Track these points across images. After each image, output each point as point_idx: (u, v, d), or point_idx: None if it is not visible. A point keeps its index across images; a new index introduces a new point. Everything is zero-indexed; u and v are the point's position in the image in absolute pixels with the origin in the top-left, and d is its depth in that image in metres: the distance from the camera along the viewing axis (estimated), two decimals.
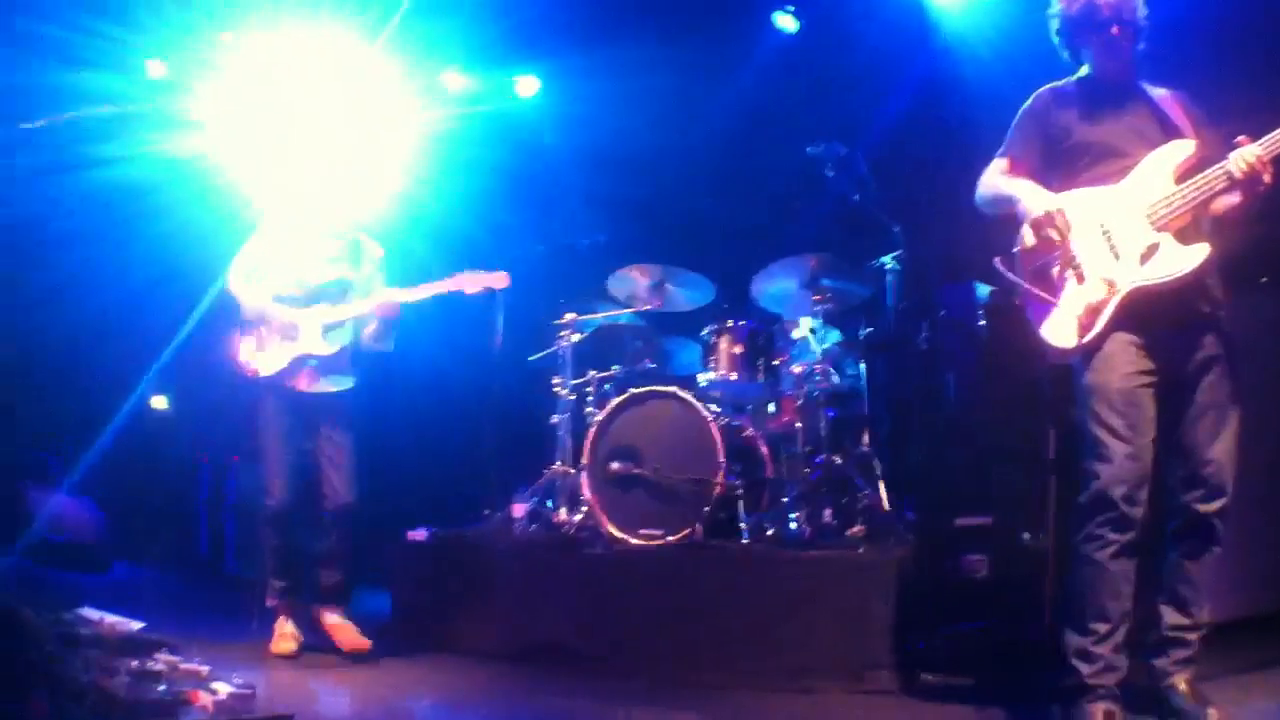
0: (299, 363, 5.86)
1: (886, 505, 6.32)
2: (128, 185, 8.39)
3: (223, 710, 4.19)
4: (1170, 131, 4.09)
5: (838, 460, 6.45)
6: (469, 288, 5.90)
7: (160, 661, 4.49)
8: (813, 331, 6.85)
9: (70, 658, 4.09)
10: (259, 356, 5.90)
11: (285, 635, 5.84)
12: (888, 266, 6.72)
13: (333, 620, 5.95)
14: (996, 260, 4.22)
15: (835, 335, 6.80)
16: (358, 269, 6.08)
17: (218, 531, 9.66)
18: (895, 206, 6.81)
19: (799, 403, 6.61)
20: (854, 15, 8.43)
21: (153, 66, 9.22)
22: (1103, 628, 3.90)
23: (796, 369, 6.66)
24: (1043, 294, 4.10)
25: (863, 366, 6.88)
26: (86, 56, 8.42)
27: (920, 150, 7.90)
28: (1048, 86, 4.38)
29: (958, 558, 5.61)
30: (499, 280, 5.91)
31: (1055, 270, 4.10)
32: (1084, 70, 4.33)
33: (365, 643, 5.83)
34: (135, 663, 4.38)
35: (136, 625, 5.00)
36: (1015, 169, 4.35)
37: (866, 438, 6.66)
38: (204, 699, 4.19)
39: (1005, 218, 4.30)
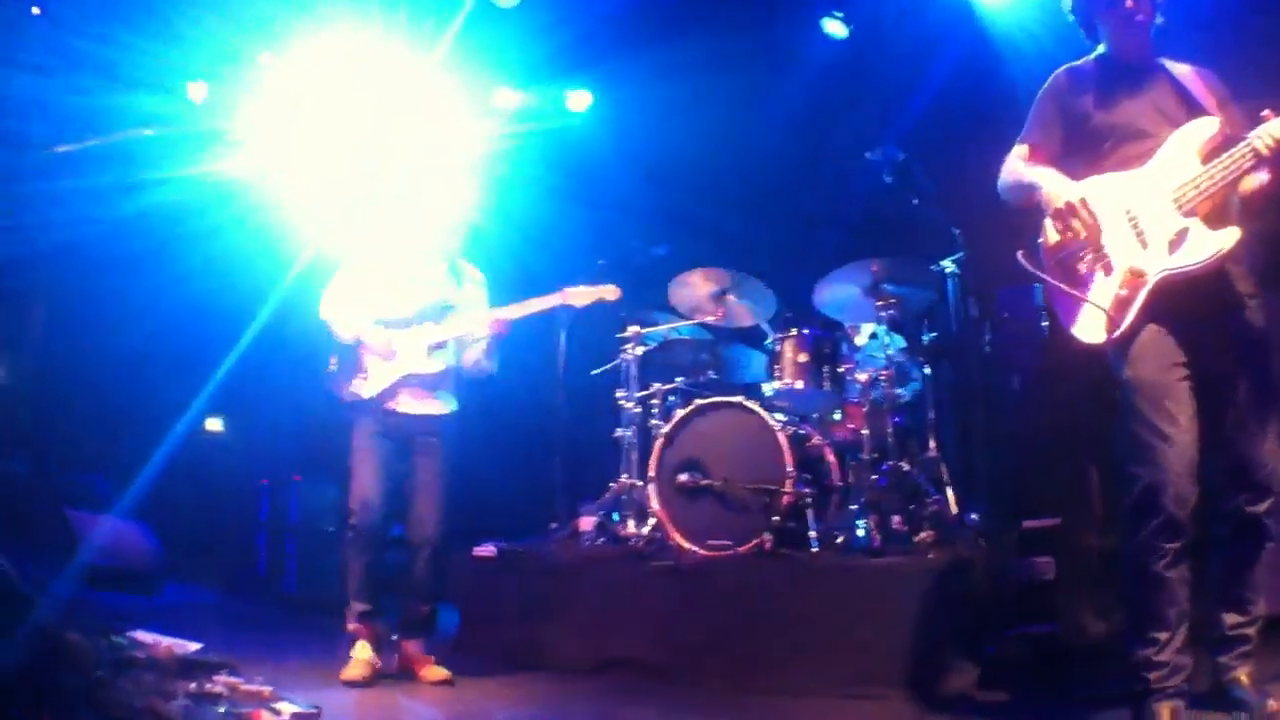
0: (400, 383, 5.72)
1: (954, 510, 6.26)
2: (178, 205, 8.47)
3: None
4: (1193, 109, 3.97)
5: (905, 466, 6.40)
6: (578, 301, 5.79)
7: (220, 683, 4.44)
8: (875, 338, 6.81)
9: (120, 682, 4.03)
10: (359, 379, 5.75)
11: (361, 661, 5.59)
12: (948, 270, 6.68)
13: (414, 652, 5.79)
14: (1019, 254, 4.07)
15: (899, 341, 6.74)
16: (459, 290, 5.95)
17: (277, 553, 9.66)
18: (954, 209, 6.76)
19: (865, 409, 6.58)
20: (903, 18, 8.38)
21: (194, 89, 9.32)
22: (1164, 635, 3.80)
23: (862, 376, 6.62)
24: (1068, 288, 3.98)
25: (927, 371, 6.82)
26: (135, 76, 8.54)
27: (976, 151, 7.80)
28: (1064, 67, 4.27)
29: (1025, 561, 5.57)
30: (610, 293, 5.82)
31: (1080, 262, 3.98)
32: (1101, 48, 4.23)
33: (447, 675, 5.67)
34: (193, 685, 4.33)
35: (194, 647, 4.96)
36: (1036, 155, 4.22)
37: (933, 443, 6.58)
38: None
39: (1028, 208, 4.17)
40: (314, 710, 4.33)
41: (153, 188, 8.28)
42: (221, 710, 4.14)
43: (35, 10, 9.01)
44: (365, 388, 5.72)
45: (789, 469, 6.03)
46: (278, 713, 4.20)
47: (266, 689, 4.49)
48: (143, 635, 4.94)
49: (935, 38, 8.20)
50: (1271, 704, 3.81)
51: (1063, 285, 3.99)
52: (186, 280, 9.29)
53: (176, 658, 4.70)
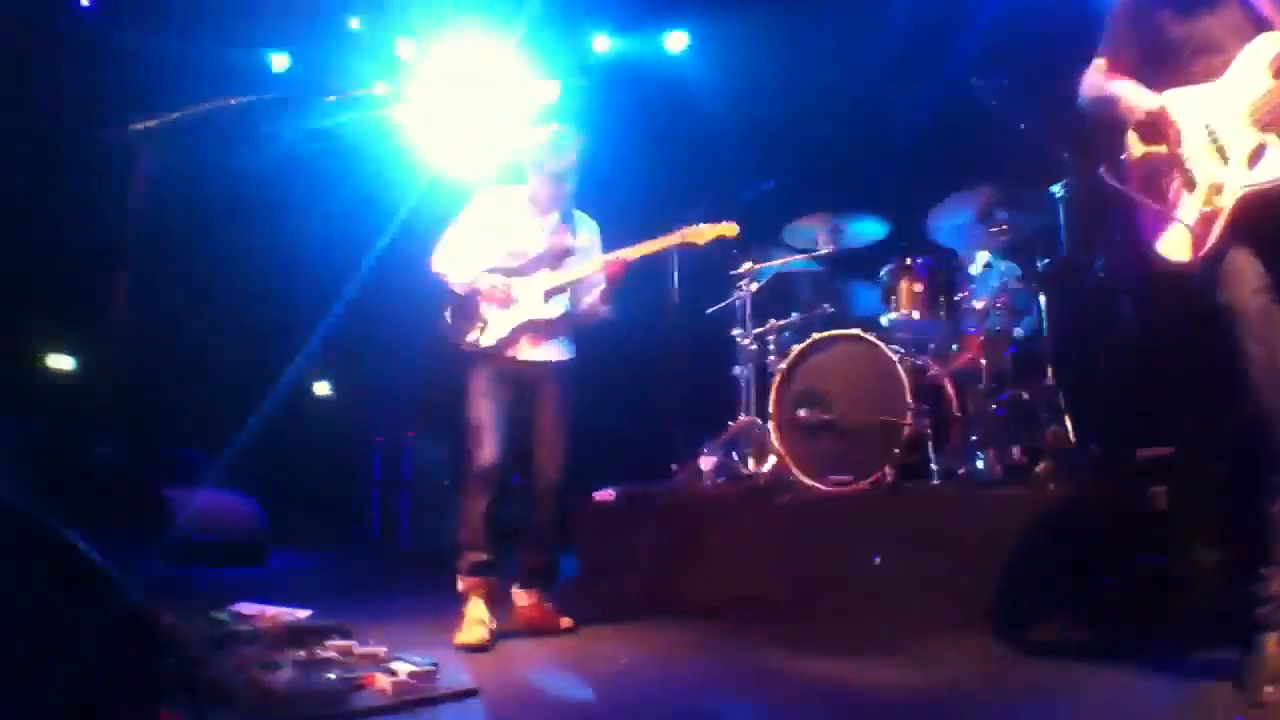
0: (519, 330, 5.64)
1: (1073, 439, 6.18)
2: (266, 171, 8.58)
3: (402, 690, 4.00)
4: (1262, 25, 3.82)
5: (1023, 396, 6.33)
6: (697, 239, 5.66)
7: (331, 649, 4.38)
8: (989, 266, 6.75)
9: (218, 659, 4.00)
10: (476, 328, 5.67)
11: (476, 620, 5.30)
12: (1058, 195, 6.60)
13: (533, 602, 5.70)
14: (1101, 168, 4.01)
15: (1014, 268, 6.67)
16: (574, 236, 5.87)
17: (391, 511, 9.78)
18: (1062, 132, 6.66)
19: (981, 339, 6.51)
20: None
21: (276, 59, 9.43)
22: (1270, 571, 3.68)
23: (978, 305, 6.54)
24: (1153, 203, 3.89)
25: (1042, 298, 6.75)
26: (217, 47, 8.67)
27: (1081, 72, 7.72)
28: None
29: (1139, 491, 5.52)
30: (729, 229, 5.67)
31: (1164, 178, 3.89)
32: None
33: (569, 622, 5.65)
34: (303, 653, 4.26)
35: (303, 614, 4.87)
36: (1115, 68, 4.13)
37: (1050, 371, 6.52)
38: (381, 681, 4.02)
39: (1110, 122, 4.09)
40: (431, 666, 4.22)
41: (242, 154, 8.40)
42: (333, 675, 4.05)
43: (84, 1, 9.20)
44: (484, 336, 5.64)
45: (909, 401, 6.01)
46: (393, 673, 4.10)
47: (381, 650, 4.44)
48: (246, 607, 4.91)
49: None
50: None
51: (1148, 200, 3.92)
52: (280, 247, 9.44)
53: (284, 626, 4.63)
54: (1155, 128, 3.88)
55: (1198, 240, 3.76)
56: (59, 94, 8.75)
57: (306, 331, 8.12)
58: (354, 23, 9.52)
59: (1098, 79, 4.18)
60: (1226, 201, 3.71)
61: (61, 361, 10.29)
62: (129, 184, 5.05)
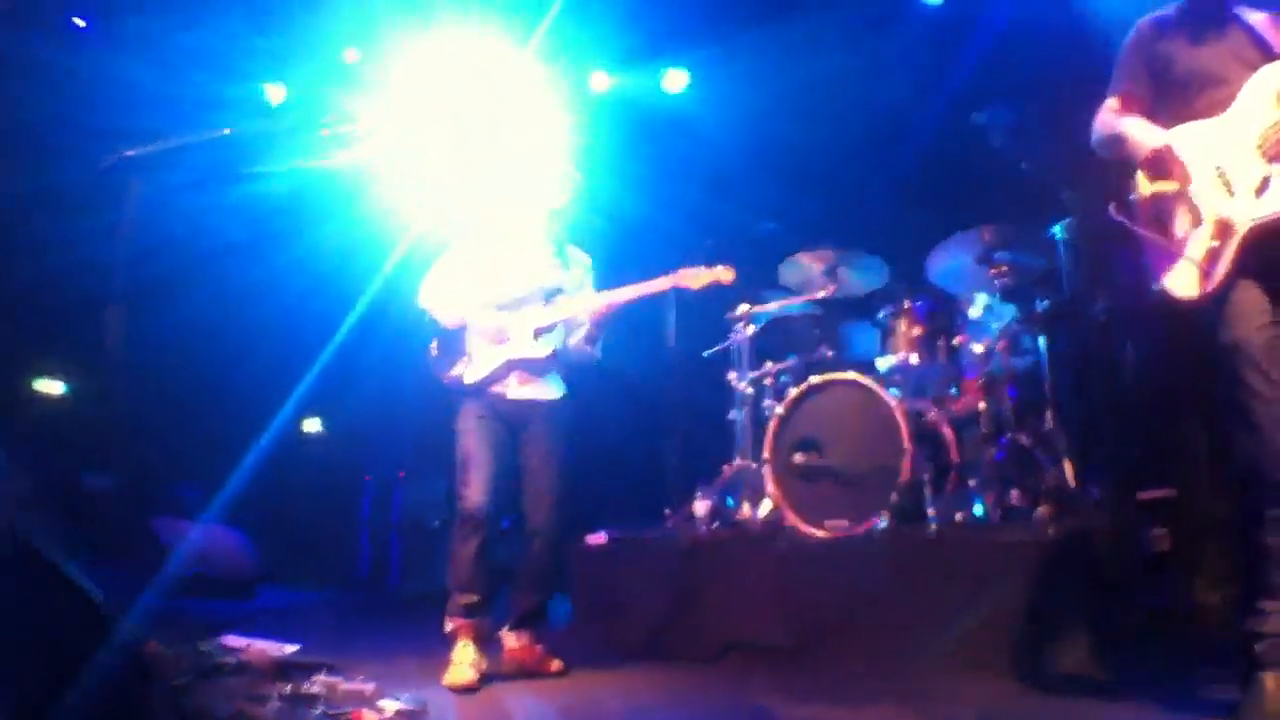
0: (507, 367, 5.59)
1: (1073, 482, 6.12)
2: (262, 206, 8.55)
3: None
4: (1268, 55, 3.92)
5: (1022, 439, 6.26)
6: (692, 284, 5.55)
7: (318, 684, 4.37)
8: (988, 308, 6.71)
9: (207, 689, 4.00)
10: (462, 363, 5.62)
11: (464, 664, 5.23)
12: (1059, 236, 6.56)
13: (523, 644, 5.61)
14: (1111, 206, 4.08)
15: (1012, 310, 6.63)
16: (566, 273, 5.83)
17: (381, 551, 9.73)
18: (1064, 172, 6.63)
19: (981, 382, 6.47)
20: None
21: (272, 90, 9.41)
22: (1271, 605, 3.72)
23: (977, 348, 6.53)
24: (1162, 240, 3.93)
25: (1042, 341, 6.70)
26: (213, 77, 8.64)
27: (1083, 110, 7.68)
28: (1147, 17, 4.29)
29: (1141, 532, 5.47)
30: (724, 274, 5.58)
31: (1172, 215, 3.94)
32: None
33: (559, 665, 5.60)
34: (289, 687, 4.27)
35: (290, 649, 4.92)
36: (1127, 106, 4.23)
37: (1050, 414, 6.46)
38: (369, 718, 4.03)
39: (1120, 160, 4.16)
40: (419, 706, 4.23)
41: (234, 188, 8.36)
42: (318, 711, 4.06)
43: (80, 22, 9.19)
44: (470, 372, 5.60)
45: (907, 446, 5.94)
46: (381, 710, 4.11)
47: (369, 687, 4.44)
48: (233, 640, 4.92)
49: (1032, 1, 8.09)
50: None
51: (1156, 236, 3.96)
52: (273, 282, 9.41)
53: (271, 660, 4.67)
54: (1162, 165, 3.94)
55: (1205, 276, 3.80)
56: (53, 118, 8.72)
57: (299, 367, 8.09)
58: (351, 56, 9.51)
59: (1109, 117, 4.26)
60: (1234, 235, 3.75)
61: (52, 386, 10.24)
62: (122, 212, 5.01)
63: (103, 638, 2.65)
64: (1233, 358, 3.76)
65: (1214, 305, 3.81)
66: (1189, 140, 3.92)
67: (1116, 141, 4.15)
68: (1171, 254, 3.89)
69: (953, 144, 7.59)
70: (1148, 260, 4.03)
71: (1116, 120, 4.19)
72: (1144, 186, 4.02)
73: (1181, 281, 3.87)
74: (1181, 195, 3.90)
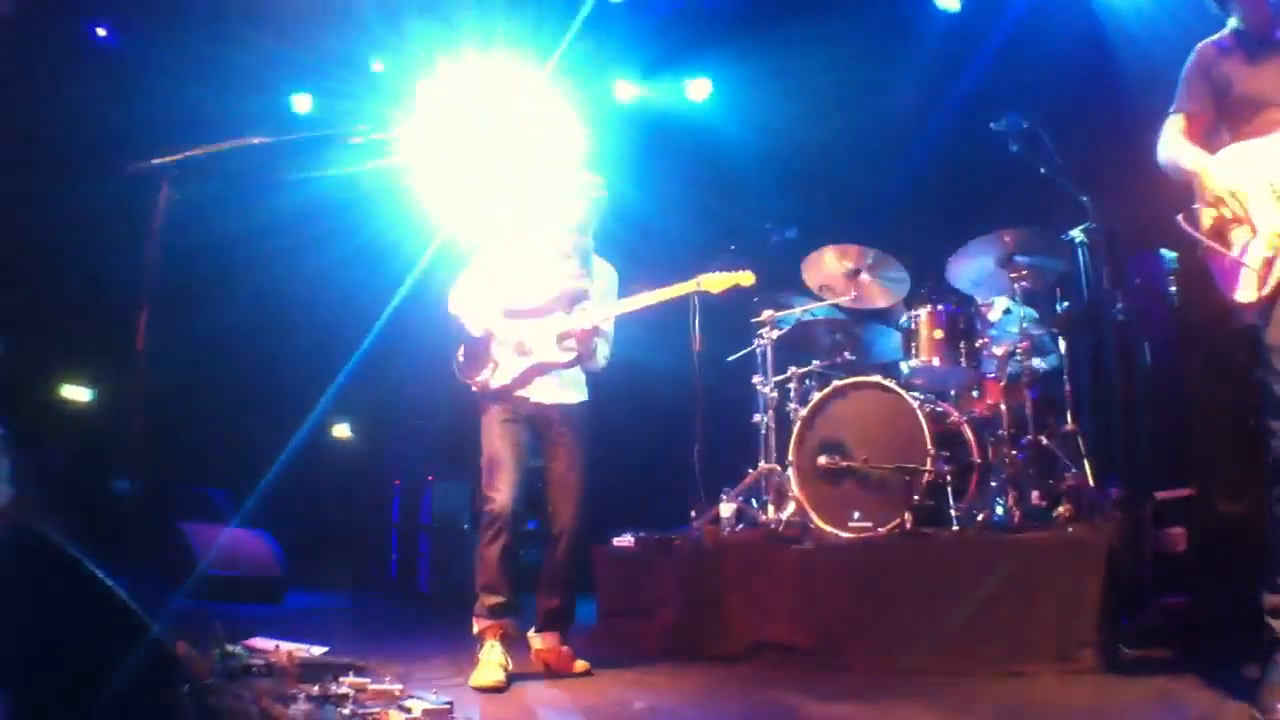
0: (531, 372, 5.62)
1: (1092, 483, 6.19)
2: (291, 213, 8.63)
3: None
4: None
5: (1043, 440, 6.37)
6: (713, 288, 5.64)
7: (346, 685, 4.38)
8: (1008, 311, 6.78)
9: (235, 690, 4.03)
10: (488, 369, 5.64)
11: (492, 664, 5.21)
12: (1078, 239, 6.62)
13: (551, 645, 5.62)
14: (1179, 217, 4.18)
15: (1032, 313, 6.70)
16: (592, 282, 5.84)
17: (410, 553, 9.76)
18: (1081, 176, 6.69)
19: (1002, 384, 6.58)
20: None
21: (299, 100, 9.50)
22: None
23: (998, 350, 6.62)
24: (1223, 249, 4.06)
25: (1061, 343, 6.78)
26: (241, 86, 8.73)
27: (1099, 116, 7.76)
28: (1207, 41, 4.39)
29: (1158, 532, 5.53)
30: (745, 278, 5.66)
31: (1233, 228, 4.06)
32: (1234, 22, 4.34)
33: (585, 666, 5.61)
34: (316, 688, 4.27)
35: (319, 650, 4.94)
36: (1193, 124, 4.35)
37: (1070, 415, 6.54)
38: (396, 718, 4.01)
39: (1185, 186, 4.27)
40: (446, 705, 4.20)
41: (265, 196, 8.45)
42: (346, 711, 4.06)
43: (101, 31, 9.30)
44: (495, 378, 5.63)
45: (929, 448, 6.03)
46: (408, 710, 4.10)
47: (396, 688, 4.44)
48: (260, 642, 4.97)
49: (1045, 5, 8.15)
50: None
51: (1218, 246, 4.08)
52: (302, 288, 9.49)
53: (298, 662, 4.69)
54: (1223, 204, 4.05)
55: (1261, 282, 3.94)
56: (81, 126, 8.83)
57: (328, 372, 8.16)
58: (377, 65, 9.60)
59: (1176, 141, 4.37)
60: None
61: (79, 393, 10.34)
62: (150, 219, 5.08)
63: (132, 639, 2.69)
64: (1275, 354, 3.92)
65: (1264, 309, 3.96)
66: (1247, 158, 4.07)
67: (1184, 174, 4.24)
68: (1232, 261, 4.04)
69: (972, 150, 7.66)
70: (1214, 268, 4.15)
71: (1184, 151, 4.29)
72: (1206, 218, 4.13)
73: (1241, 288, 4.01)
74: (1240, 210, 4.03)
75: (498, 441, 5.58)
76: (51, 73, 8.95)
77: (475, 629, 5.45)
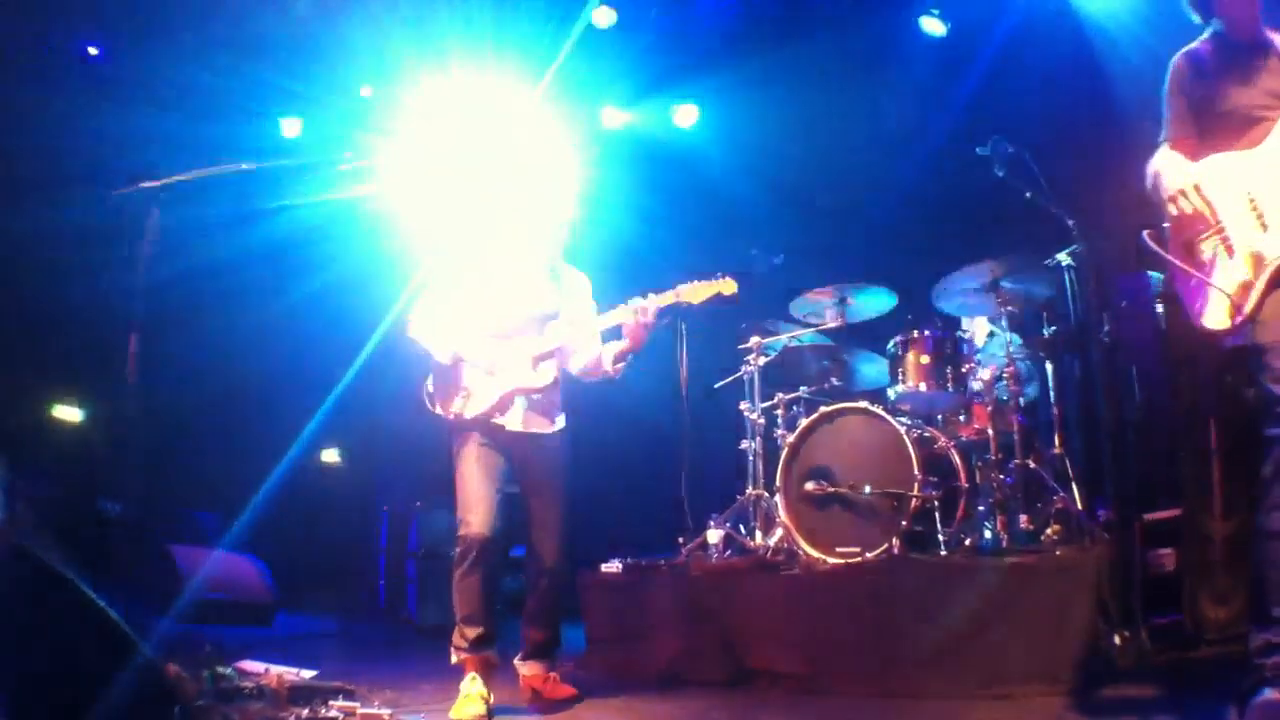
0: (506, 399, 5.36)
1: (1080, 505, 6.21)
2: (282, 238, 8.64)
3: None
4: None
5: (1030, 464, 6.36)
6: (694, 298, 5.47)
7: (335, 708, 4.40)
8: (993, 335, 6.80)
9: (223, 711, 4.06)
10: (459, 397, 5.39)
11: (473, 697, 5.05)
12: (1064, 263, 6.64)
13: (536, 672, 5.51)
14: (1145, 234, 4.07)
15: (1016, 338, 6.73)
16: (560, 295, 5.63)
17: (397, 580, 9.73)
18: (1067, 199, 6.71)
19: (989, 409, 6.57)
20: (1000, 11, 8.37)
21: (288, 124, 9.52)
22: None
23: (984, 375, 6.65)
24: (1193, 270, 3.94)
25: (1048, 366, 6.80)
26: (230, 111, 8.74)
27: (1084, 139, 7.80)
28: (1181, 53, 4.25)
29: (1147, 553, 5.52)
30: (726, 286, 5.51)
31: (1203, 245, 3.95)
32: (1214, 26, 4.21)
33: (572, 691, 5.51)
34: (306, 711, 4.30)
35: (308, 674, 4.95)
36: (1181, 150, 4.16)
37: (1057, 439, 6.56)
38: None
39: (1155, 196, 4.15)
40: None
41: (253, 220, 8.46)
42: None
43: (93, 50, 9.31)
44: (468, 406, 5.38)
45: (916, 473, 6.04)
46: None
47: (385, 712, 4.47)
48: (250, 665, 4.98)
49: (1032, 26, 8.19)
50: None
51: (1187, 266, 3.97)
52: (291, 312, 9.48)
53: (287, 685, 4.69)
54: (1185, 199, 3.94)
55: (1236, 308, 3.80)
56: (71, 145, 8.83)
57: (317, 397, 8.16)
58: (365, 90, 9.62)
59: (1153, 159, 4.22)
60: (1265, 269, 3.77)
61: (69, 414, 10.32)
62: (139, 243, 5.08)
63: (123, 660, 2.70)
64: (1257, 365, 3.77)
65: (1241, 330, 3.82)
66: (1224, 171, 3.95)
67: (1153, 179, 4.13)
68: (1201, 284, 3.91)
69: (959, 175, 7.67)
70: (1180, 290, 4.05)
71: (1157, 159, 4.18)
72: (1175, 213, 4.01)
73: (1211, 313, 3.89)
74: (1213, 227, 3.91)
75: (471, 466, 5.34)
76: (45, 98, 8.96)
77: (454, 659, 5.29)
